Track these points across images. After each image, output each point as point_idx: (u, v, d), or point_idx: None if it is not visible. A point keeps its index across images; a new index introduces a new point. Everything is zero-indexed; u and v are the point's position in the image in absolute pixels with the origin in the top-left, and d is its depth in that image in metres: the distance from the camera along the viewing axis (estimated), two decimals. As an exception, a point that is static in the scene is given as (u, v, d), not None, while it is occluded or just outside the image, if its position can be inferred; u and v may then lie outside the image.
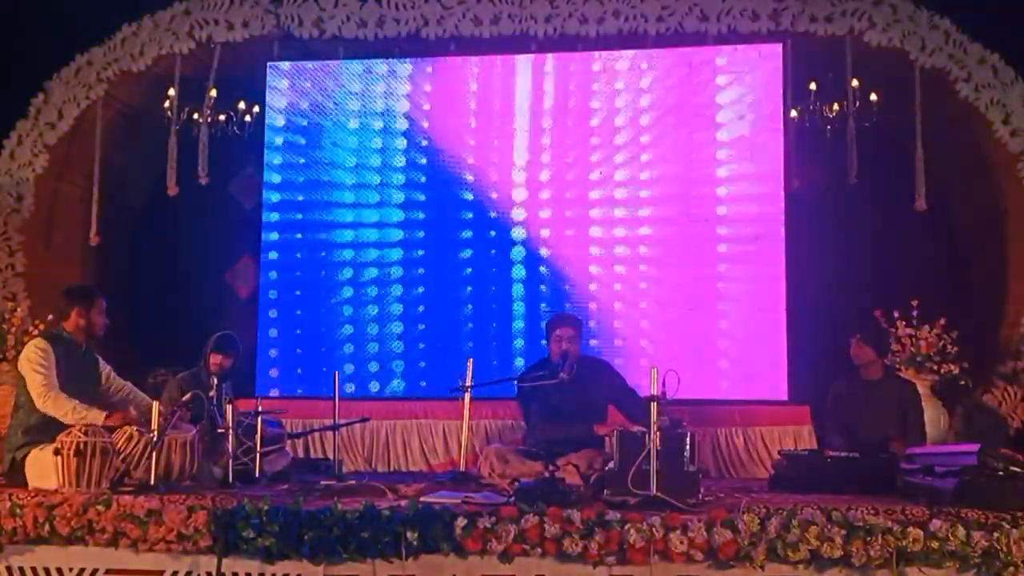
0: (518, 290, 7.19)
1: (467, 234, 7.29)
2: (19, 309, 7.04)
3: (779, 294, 6.88)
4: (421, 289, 7.29)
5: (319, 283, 7.39)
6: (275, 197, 7.48)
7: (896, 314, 6.41)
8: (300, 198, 7.47)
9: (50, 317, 6.77)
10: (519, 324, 7.14)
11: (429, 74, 7.46)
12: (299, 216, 7.46)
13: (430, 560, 3.69)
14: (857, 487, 4.61)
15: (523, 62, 7.34)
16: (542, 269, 7.20)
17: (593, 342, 6.87)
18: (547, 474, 4.37)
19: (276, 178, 7.49)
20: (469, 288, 7.24)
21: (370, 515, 3.73)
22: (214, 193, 7.39)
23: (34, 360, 4.82)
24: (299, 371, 7.33)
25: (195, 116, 7.21)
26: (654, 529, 3.62)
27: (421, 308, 7.27)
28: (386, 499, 4.20)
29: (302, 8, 7.25)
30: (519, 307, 7.16)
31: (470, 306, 7.22)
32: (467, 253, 7.28)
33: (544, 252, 7.21)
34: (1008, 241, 6.78)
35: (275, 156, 7.51)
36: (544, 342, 5.59)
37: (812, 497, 4.38)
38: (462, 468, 5.15)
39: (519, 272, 7.21)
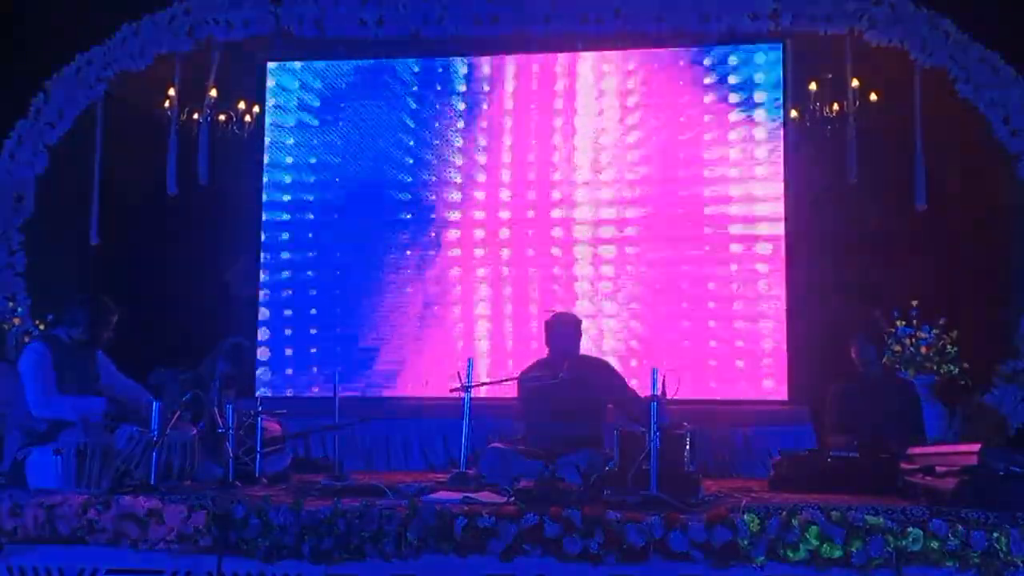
0: (523, 291, 7.19)
1: (455, 234, 7.29)
2: (19, 309, 7.04)
3: (779, 294, 6.88)
4: (410, 289, 7.29)
5: (318, 283, 7.39)
6: (274, 198, 7.49)
7: (896, 314, 6.42)
8: (291, 199, 7.48)
9: (50, 317, 6.77)
10: (532, 325, 7.13)
11: (430, 74, 7.46)
12: (298, 216, 7.46)
13: (430, 560, 3.69)
14: (857, 487, 4.60)
15: (522, 60, 7.34)
16: (555, 270, 7.19)
17: (593, 343, 6.86)
18: (547, 474, 4.37)
19: (275, 178, 7.50)
20: (458, 288, 7.25)
21: (370, 515, 3.73)
22: (214, 193, 7.39)
23: (32, 365, 4.81)
24: (297, 371, 7.33)
25: (195, 116, 7.21)
26: (654, 529, 3.62)
27: (412, 308, 7.27)
28: (386, 499, 4.20)
29: (302, 8, 7.25)
30: (526, 308, 7.16)
31: (471, 304, 7.24)
32: (455, 252, 7.28)
33: (542, 252, 7.21)
34: (1008, 241, 6.78)
35: (274, 156, 7.51)
36: (545, 342, 5.59)
37: (812, 497, 4.38)
38: (462, 468, 5.15)
39: (524, 273, 7.21)
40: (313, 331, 7.35)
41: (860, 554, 3.53)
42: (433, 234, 7.31)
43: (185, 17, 7.32)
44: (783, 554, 3.57)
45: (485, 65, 7.39)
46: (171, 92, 7.24)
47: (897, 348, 6.38)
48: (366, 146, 7.45)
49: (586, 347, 5.88)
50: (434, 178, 7.36)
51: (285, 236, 7.46)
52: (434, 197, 7.34)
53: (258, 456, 4.99)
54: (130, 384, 5.23)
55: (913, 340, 6.37)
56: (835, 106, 6.67)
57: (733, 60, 7.12)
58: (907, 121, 6.77)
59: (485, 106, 7.36)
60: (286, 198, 7.48)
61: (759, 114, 7.06)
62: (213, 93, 7.22)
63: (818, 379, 6.23)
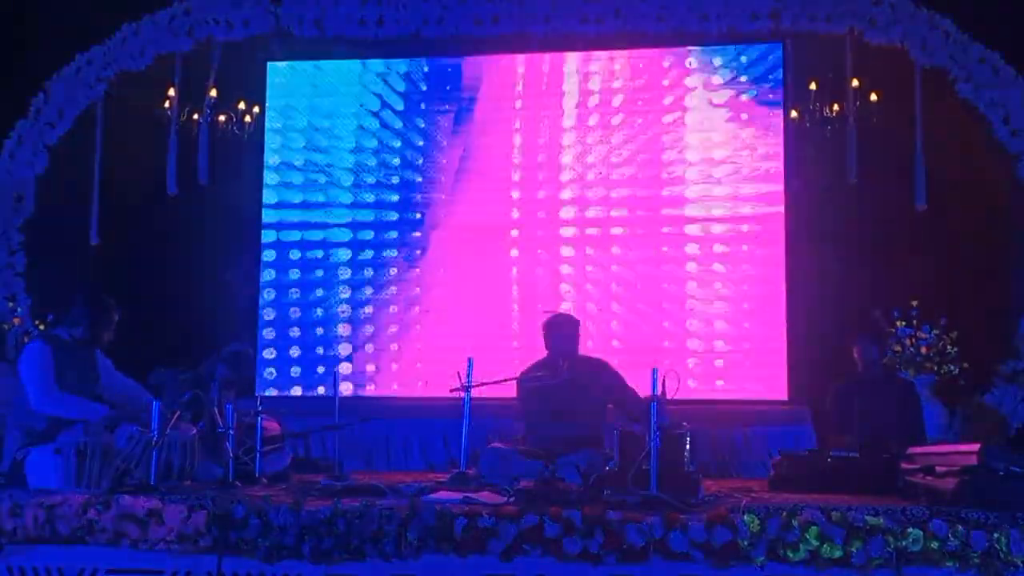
0: (517, 291, 7.19)
1: (457, 235, 7.29)
2: (19, 309, 7.04)
3: (779, 294, 6.88)
4: (418, 289, 7.29)
5: (317, 283, 7.40)
6: (274, 198, 7.49)
7: (896, 314, 6.42)
8: (299, 199, 7.48)
9: (50, 317, 6.77)
10: (516, 325, 7.13)
11: (431, 74, 7.46)
12: (299, 216, 7.47)
13: (430, 560, 3.69)
14: (857, 487, 4.60)
15: (521, 62, 7.34)
16: (542, 271, 7.21)
17: (592, 343, 6.86)
18: (547, 474, 4.37)
19: (275, 178, 7.51)
20: (469, 288, 7.25)
21: (370, 515, 3.73)
22: (214, 193, 7.39)
23: (32, 363, 4.81)
24: (297, 371, 7.33)
25: (195, 116, 7.22)
26: (654, 529, 3.62)
27: (417, 309, 7.28)
28: (386, 499, 4.20)
29: (302, 8, 7.26)
30: (517, 308, 7.16)
31: (474, 306, 7.22)
32: (467, 254, 7.28)
33: (542, 254, 7.21)
34: (1008, 241, 6.79)
35: (274, 156, 7.51)
36: (543, 342, 5.58)
37: (812, 497, 4.38)
38: (462, 468, 5.15)
39: (518, 273, 7.21)
40: (314, 331, 7.35)
41: (860, 554, 3.53)
42: (436, 235, 7.31)
43: (185, 17, 7.32)
44: (783, 554, 3.57)
45: (489, 66, 7.38)
46: (171, 92, 7.25)
47: (897, 348, 6.38)
48: (367, 146, 7.45)
49: (594, 347, 5.91)
50: (438, 178, 7.35)
51: (285, 236, 7.46)
52: (438, 197, 7.34)
53: (258, 456, 4.99)
54: (130, 384, 5.22)
55: (913, 340, 6.37)
56: (835, 106, 6.68)
57: (732, 60, 7.12)
58: (907, 121, 6.78)
59: (491, 109, 7.36)
60: (286, 198, 7.48)
61: (759, 114, 7.05)
62: (213, 93, 7.23)
63: (818, 379, 6.23)
